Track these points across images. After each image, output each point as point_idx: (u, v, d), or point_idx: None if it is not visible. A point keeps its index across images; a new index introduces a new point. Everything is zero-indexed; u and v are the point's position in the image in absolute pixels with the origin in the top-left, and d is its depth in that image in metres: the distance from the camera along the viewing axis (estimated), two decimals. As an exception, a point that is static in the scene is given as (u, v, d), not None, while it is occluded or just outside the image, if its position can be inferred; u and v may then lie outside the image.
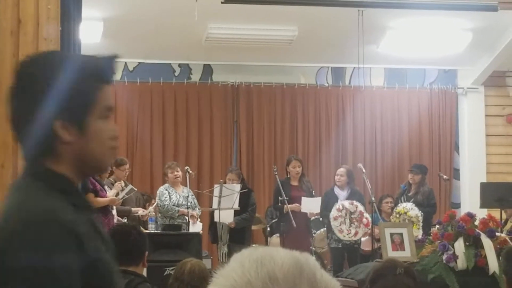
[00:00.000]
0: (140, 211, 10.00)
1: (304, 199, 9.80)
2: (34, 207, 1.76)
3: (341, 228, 9.62)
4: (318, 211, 9.97)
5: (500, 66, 12.25)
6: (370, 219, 9.46)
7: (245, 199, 9.65)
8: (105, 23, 10.47)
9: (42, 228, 1.71)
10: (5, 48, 6.55)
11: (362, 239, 9.93)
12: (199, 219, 10.09)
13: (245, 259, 1.27)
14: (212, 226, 9.92)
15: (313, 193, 10.12)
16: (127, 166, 10.09)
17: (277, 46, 11.44)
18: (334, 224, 9.62)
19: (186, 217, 9.72)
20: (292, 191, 9.91)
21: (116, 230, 4.16)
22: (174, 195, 9.92)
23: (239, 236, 9.67)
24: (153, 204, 10.33)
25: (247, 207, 9.72)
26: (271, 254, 1.27)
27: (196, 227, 9.85)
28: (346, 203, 9.72)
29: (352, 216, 9.66)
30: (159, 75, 12.10)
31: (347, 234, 9.60)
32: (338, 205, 9.71)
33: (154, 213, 9.98)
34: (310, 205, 9.83)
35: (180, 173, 10.04)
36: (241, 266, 1.26)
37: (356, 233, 9.63)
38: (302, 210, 9.76)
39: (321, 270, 1.29)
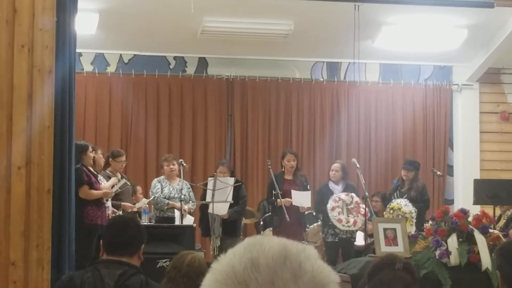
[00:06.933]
0: (128, 206, 9.76)
1: (294, 192, 9.79)
2: None
3: (339, 218, 9.65)
4: (309, 204, 9.98)
5: (495, 63, 12.25)
6: (367, 209, 9.47)
7: (236, 191, 9.66)
8: (100, 14, 10.45)
9: None
10: (0, 37, 6.53)
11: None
12: (191, 212, 10.05)
13: (239, 245, 1.30)
14: (203, 219, 9.89)
15: (308, 188, 10.10)
16: (124, 158, 10.03)
17: (272, 40, 11.42)
18: (332, 214, 9.65)
19: (176, 210, 9.67)
20: (285, 185, 9.91)
21: (114, 221, 4.26)
22: (167, 187, 9.89)
23: (232, 229, 9.70)
24: (140, 195, 10.28)
25: (238, 199, 9.72)
26: (262, 242, 1.28)
27: (186, 221, 9.81)
28: (342, 195, 9.80)
29: (349, 206, 9.69)
30: (154, 68, 12.07)
31: (346, 223, 9.63)
32: (334, 196, 9.76)
33: (147, 205, 9.94)
34: (300, 198, 9.82)
35: (176, 166, 10.01)
36: (233, 252, 1.28)
37: (355, 222, 9.66)
38: (293, 204, 9.76)
39: (314, 261, 1.27)
